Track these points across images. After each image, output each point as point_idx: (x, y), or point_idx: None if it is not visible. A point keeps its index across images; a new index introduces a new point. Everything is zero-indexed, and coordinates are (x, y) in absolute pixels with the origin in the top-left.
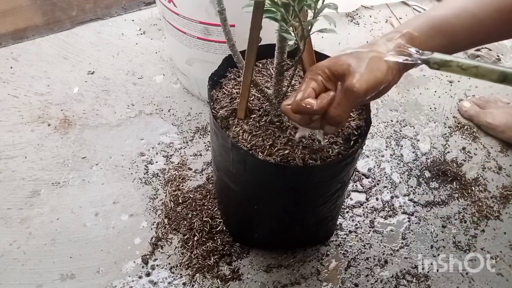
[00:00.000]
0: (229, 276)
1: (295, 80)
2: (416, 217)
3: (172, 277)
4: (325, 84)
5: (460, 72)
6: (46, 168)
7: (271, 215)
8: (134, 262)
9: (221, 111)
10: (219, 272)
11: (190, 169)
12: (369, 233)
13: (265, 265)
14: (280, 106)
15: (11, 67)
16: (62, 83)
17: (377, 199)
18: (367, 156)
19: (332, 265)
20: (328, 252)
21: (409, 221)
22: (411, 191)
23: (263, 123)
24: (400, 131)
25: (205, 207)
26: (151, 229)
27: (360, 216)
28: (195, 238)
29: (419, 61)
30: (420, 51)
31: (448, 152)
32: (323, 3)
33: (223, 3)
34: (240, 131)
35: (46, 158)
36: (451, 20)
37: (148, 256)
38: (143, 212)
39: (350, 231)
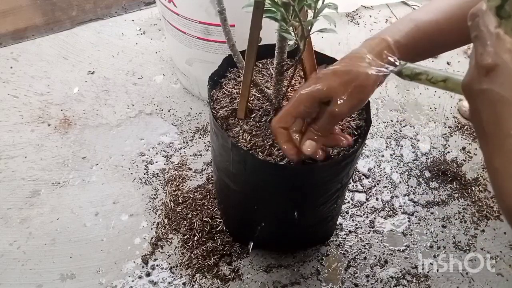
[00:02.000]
0: (229, 276)
1: (295, 80)
2: (416, 217)
3: (172, 277)
4: (309, 110)
5: (430, 85)
6: (46, 168)
7: (271, 215)
8: (134, 262)
9: (221, 111)
10: (219, 272)
11: (190, 169)
12: (369, 233)
13: (265, 265)
14: (280, 106)
15: (11, 67)
16: (62, 83)
17: (377, 199)
18: (367, 156)
19: (332, 265)
20: (328, 252)
21: (409, 221)
22: (411, 191)
23: (263, 123)
24: (400, 131)
25: (205, 207)
26: (151, 229)
27: (360, 216)
28: (195, 238)
29: (392, 72)
30: (397, 61)
31: (448, 152)
32: (323, 3)
33: (223, 3)
34: (240, 131)
35: (46, 158)
36: (441, 23)
37: (148, 256)
38: (143, 212)
39: (350, 231)
